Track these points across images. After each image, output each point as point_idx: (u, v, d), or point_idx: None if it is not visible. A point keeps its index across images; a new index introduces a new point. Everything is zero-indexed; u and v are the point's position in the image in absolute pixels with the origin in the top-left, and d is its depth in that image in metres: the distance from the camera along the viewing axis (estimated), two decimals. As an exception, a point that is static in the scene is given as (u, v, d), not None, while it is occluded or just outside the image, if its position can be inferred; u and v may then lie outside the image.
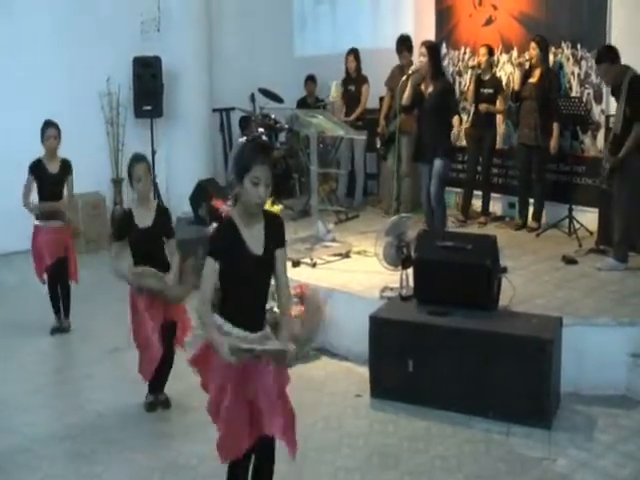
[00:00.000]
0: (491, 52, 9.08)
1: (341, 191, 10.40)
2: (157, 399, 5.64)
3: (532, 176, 8.55)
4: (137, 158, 5.48)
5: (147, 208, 5.46)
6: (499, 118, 9.22)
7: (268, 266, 3.74)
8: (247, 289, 3.70)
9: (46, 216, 7.07)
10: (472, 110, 9.15)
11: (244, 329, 3.72)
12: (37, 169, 7.04)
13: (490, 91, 8.93)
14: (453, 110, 7.67)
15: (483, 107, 8.86)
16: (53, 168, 7.08)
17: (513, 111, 9.00)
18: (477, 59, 9.27)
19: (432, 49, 7.69)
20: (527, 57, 8.47)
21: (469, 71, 9.51)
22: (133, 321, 5.48)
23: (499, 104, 8.94)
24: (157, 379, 5.56)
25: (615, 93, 6.96)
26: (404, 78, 7.94)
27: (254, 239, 3.68)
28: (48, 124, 7.06)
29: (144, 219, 5.41)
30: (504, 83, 9.18)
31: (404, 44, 9.39)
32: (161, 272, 5.42)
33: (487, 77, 9.03)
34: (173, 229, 5.60)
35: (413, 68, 7.88)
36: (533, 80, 8.39)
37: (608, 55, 6.86)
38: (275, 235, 3.74)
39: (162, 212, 5.52)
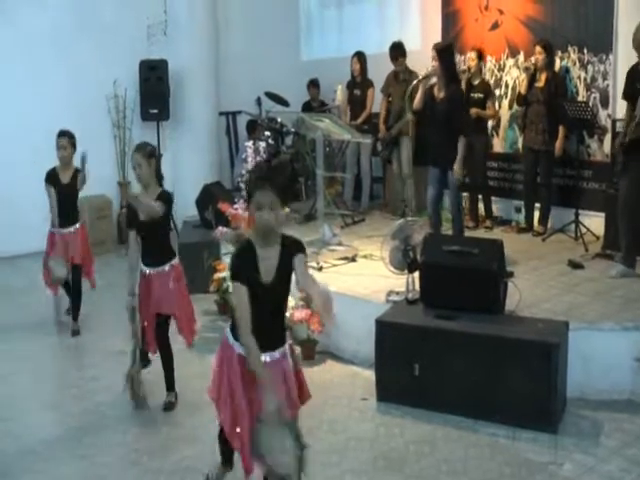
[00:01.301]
0: (481, 56, 9.07)
1: (348, 195, 10.41)
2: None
3: (538, 180, 8.55)
4: (136, 147, 5.59)
5: (151, 195, 5.50)
6: (503, 123, 9.21)
7: (277, 292, 3.79)
8: (258, 312, 3.72)
9: (60, 224, 7.20)
10: None
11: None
12: (51, 179, 7.13)
13: (480, 95, 8.91)
14: (458, 120, 7.34)
15: (473, 111, 8.76)
16: (66, 178, 7.16)
17: (518, 115, 8.98)
18: (467, 63, 9.28)
19: (442, 52, 7.39)
20: (533, 61, 8.46)
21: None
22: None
23: (489, 109, 8.92)
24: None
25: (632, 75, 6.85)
26: (415, 82, 7.92)
27: (267, 263, 3.74)
28: (60, 134, 7.12)
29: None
30: (510, 87, 9.19)
31: (398, 50, 9.44)
32: (166, 262, 5.57)
33: (477, 82, 9.02)
34: (167, 211, 5.54)
35: (425, 72, 7.81)
36: (539, 84, 8.39)
37: None
38: (290, 257, 3.74)
39: (161, 198, 5.50)
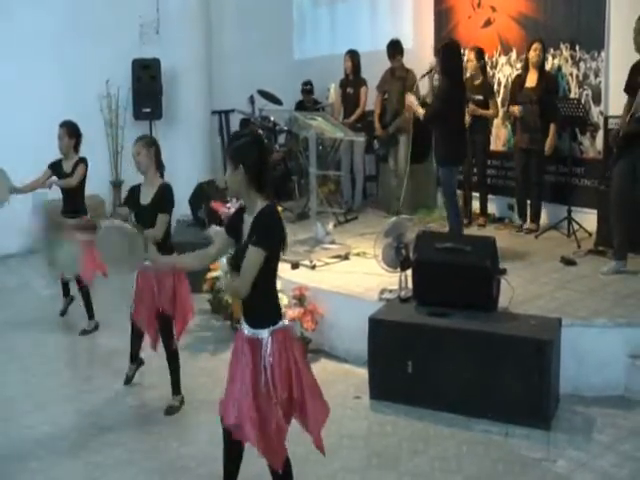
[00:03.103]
0: (480, 55, 8.89)
1: (346, 192, 10.38)
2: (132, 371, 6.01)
3: (531, 178, 8.54)
4: (137, 139, 5.76)
5: (150, 185, 5.60)
6: (497, 121, 9.23)
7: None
8: None
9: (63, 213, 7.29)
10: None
11: None
12: (54, 167, 7.23)
13: (480, 98, 8.78)
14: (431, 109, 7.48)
15: (470, 109, 8.65)
16: (67, 167, 7.24)
17: (508, 116, 8.98)
18: (466, 64, 9.22)
19: (440, 49, 7.65)
20: (533, 59, 8.36)
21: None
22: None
23: (491, 108, 8.87)
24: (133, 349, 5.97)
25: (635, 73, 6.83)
26: (419, 78, 8.33)
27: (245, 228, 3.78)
28: (60, 125, 7.22)
29: (146, 196, 5.56)
30: (503, 84, 9.19)
31: (396, 48, 9.44)
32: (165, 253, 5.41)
33: (477, 82, 8.89)
34: (168, 206, 5.54)
35: (429, 66, 7.94)
36: (531, 85, 8.37)
37: None
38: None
39: (161, 189, 5.55)
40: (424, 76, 7.96)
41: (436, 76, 7.74)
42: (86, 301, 7.30)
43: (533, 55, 8.31)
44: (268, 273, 3.70)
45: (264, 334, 3.73)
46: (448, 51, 7.55)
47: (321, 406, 3.86)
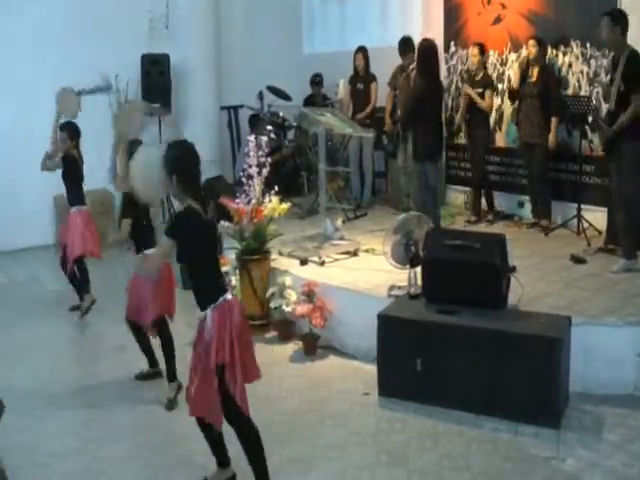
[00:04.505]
0: (483, 51, 9.04)
1: (355, 189, 10.37)
2: (149, 372, 6.04)
3: (534, 174, 8.55)
4: None
5: None
6: (505, 117, 9.22)
7: None
8: None
9: (70, 202, 7.52)
10: (465, 109, 9.09)
11: None
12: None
13: (479, 90, 8.90)
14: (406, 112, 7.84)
15: (468, 90, 8.87)
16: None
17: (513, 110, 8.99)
18: (469, 59, 9.27)
19: (418, 49, 7.81)
20: (530, 55, 8.43)
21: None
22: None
23: (486, 99, 8.92)
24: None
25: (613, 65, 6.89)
26: (402, 77, 8.62)
27: None
28: (60, 129, 7.36)
29: None
30: (512, 82, 9.18)
31: (407, 45, 9.43)
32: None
33: (479, 77, 9.01)
34: (125, 209, 5.76)
35: (412, 66, 8.07)
36: (532, 79, 8.42)
37: (623, 22, 6.74)
38: None
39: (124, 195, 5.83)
40: (409, 74, 8.16)
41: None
42: (84, 277, 7.48)
43: (531, 52, 8.42)
44: (202, 264, 4.25)
45: (208, 312, 4.18)
46: (423, 51, 7.71)
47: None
